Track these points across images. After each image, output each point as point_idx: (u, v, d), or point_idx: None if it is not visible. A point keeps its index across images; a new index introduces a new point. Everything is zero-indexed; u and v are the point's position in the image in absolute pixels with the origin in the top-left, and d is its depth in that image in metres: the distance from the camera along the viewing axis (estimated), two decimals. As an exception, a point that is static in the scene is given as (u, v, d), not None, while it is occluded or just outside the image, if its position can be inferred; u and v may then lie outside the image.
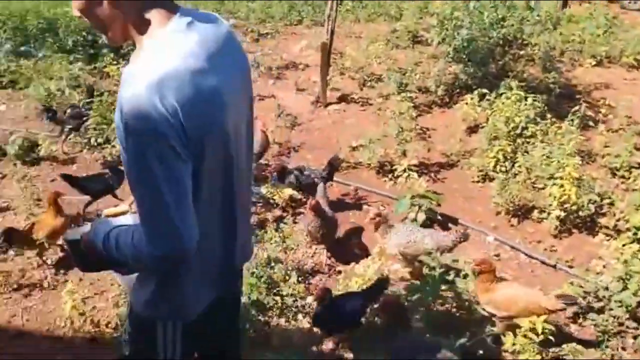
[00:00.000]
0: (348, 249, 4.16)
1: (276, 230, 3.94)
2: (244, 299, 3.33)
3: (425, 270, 3.52)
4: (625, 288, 3.36)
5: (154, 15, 1.48)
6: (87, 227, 1.74)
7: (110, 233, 1.58)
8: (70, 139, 5.49)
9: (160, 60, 1.40)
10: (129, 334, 1.87)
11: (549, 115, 5.50)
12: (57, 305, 3.55)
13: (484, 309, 3.23)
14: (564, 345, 3.16)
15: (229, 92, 1.53)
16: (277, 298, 3.46)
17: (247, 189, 1.84)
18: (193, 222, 1.45)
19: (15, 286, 3.70)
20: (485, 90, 5.77)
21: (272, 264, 3.68)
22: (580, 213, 4.36)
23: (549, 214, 4.40)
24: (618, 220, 4.31)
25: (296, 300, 3.54)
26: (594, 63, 7.27)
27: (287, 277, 3.62)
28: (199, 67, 1.44)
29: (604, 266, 3.71)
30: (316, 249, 4.13)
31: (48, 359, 3.20)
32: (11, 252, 3.94)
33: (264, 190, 4.55)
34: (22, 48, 7.67)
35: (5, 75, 6.83)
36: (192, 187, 1.46)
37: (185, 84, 1.39)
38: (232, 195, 1.67)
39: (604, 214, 4.45)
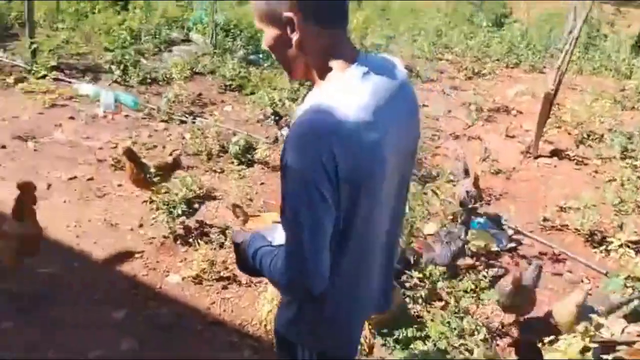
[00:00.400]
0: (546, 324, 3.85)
1: (474, 282, 3.79)
2: (430, 347, 3.26)
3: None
4: None
5: (335, 62, 1.55)
6: (248, 234, 1.84)
7: (259, 251, 1.69)
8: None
9: (329, 108, 1.43)
10: (276, 348, 1.96)
11: None
12: (251, 303, 3.77)
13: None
14: None
15: (391, 146, 1.55)
16: (467, 353, 3.31)
17: (397, 236, 1.87)
18: (323, 262, 1.50)
19: (217, 277, 4.00)
20: None
21: (462, 315, 3.55)
22: None
23: None
24: None
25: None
26: None
27: (475, 332, 3.46)
28: (366, 121, 1.46)
29: None
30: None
31: (236, 351, 3.41)
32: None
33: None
34: (252, 57, 8.41)
35: (235, 79, 7.51)
36: (341, 231, 1.52)
37: (349, 136, 1.42)
38: (380, 241, 1.71)
39: None
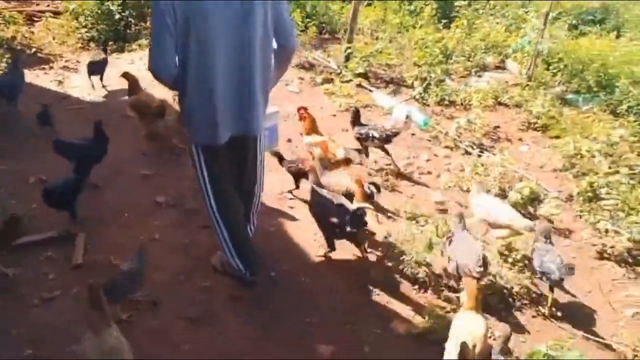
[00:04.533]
0: None
1: None
2: None
3: None
4: None
5: None
6: None
7: None
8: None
9: None
10: None
11: None
12: None
13: None
14: None
15: (215, 6, 2.75)
16: None
17: (248, 71, 2.94)
18: (164, 58, 2.79)
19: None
20: None
21: None
22: None
23: None
24: None
25: None
26: None
27: None
28: None
29: None
30: None
31: None
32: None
33: None
34: (570, 96, 7.29)
35: (542, 118, 6.54)
36: (183, 42, 2.76)
37: None
38: (221, 67, 2.86)
39: None
